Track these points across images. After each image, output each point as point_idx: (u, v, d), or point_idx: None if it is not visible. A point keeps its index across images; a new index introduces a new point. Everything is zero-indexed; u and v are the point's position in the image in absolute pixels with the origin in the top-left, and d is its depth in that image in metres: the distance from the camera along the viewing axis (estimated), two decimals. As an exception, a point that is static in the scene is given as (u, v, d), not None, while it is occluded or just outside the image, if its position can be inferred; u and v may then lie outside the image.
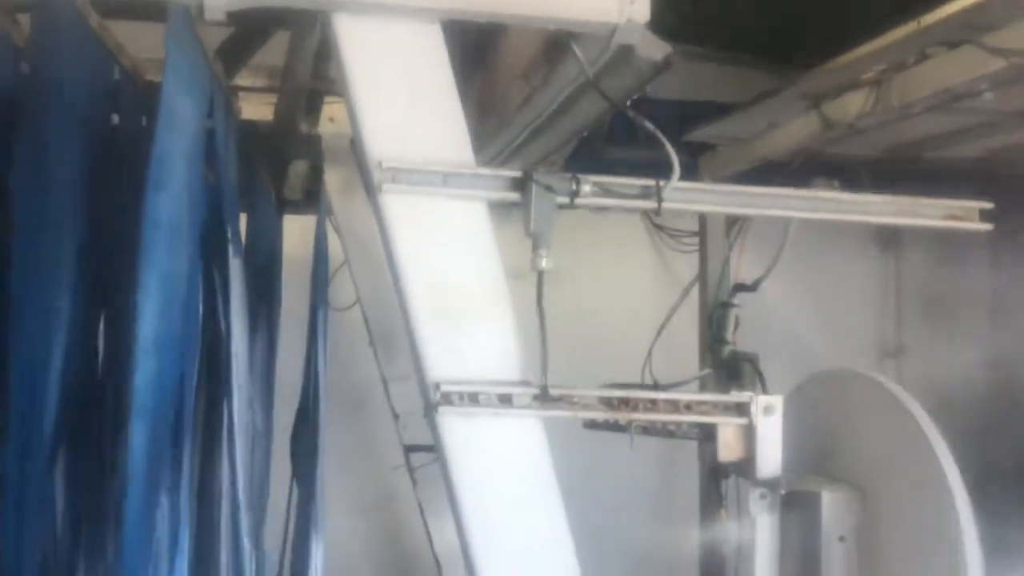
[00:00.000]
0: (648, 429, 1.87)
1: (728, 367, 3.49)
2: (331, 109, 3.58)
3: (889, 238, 5.75)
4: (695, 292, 4.68)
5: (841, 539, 1.85)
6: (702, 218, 4.82)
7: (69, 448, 1.93)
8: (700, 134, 4.21)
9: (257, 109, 3.62)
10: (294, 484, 3.59)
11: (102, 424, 2.06)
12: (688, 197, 1.89)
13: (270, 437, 3.53)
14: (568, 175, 1.82)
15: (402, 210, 1.84)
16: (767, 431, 1.80)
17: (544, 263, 1.85)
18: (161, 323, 1.69)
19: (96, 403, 2.05)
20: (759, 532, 1.79)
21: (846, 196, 1.97)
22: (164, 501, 1.82)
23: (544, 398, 1.82)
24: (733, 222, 4.81)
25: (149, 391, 1.62)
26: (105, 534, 1.99)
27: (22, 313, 1.79)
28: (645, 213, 5.55)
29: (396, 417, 3.89)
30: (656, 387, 2.01)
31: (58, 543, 1.94)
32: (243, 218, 3.12)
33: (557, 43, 2.07)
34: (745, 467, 1.82)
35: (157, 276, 1.67)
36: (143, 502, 1.63)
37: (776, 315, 4.79)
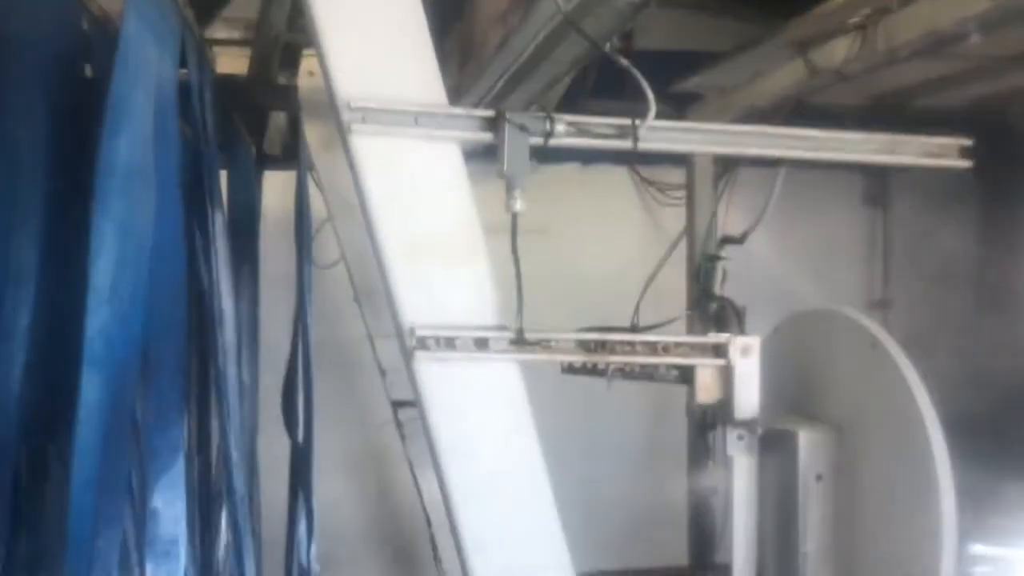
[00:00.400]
0: (626, 372, 1.85)
1: (715, 317, 3.48)
2: (310, 63, 3.51)
3: (877, 192, 5.73)
4: (682, 246, 4.64)
5: (818, 477, 1.85)
6: (689, 171, 4.78)
7: (50, 416, 1.86)
8: (686, 84, 4.15)
9: (233, 63, 3.55)
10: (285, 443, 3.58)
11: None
12: (665, 136, 1.85)
13: (256, 396, 3.52)
14: (542, 114, 1.78)
15: (373, 152, 1.80)
16: (745, 372, 1.79)
17: (518, 205, 1.82)
18: (120, 273, 1.60)
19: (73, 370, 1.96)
20: (737, 473, 1.79)
21: (825, 134, 1.94)
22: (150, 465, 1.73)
23: (520, 342, 1.80)
24: (720, 174, 4.77)
25: (102, 340, 1.50)
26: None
27: None
28: (632, 167, 5.48)
29: (383, 373, 3.88)
30: (633, 329, 1.99)
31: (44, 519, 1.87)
32: (223, 174, 3.06)
33: (533, -19, 2.02)
34: (723, 408, 1.81)
35: (113, 224, 1.60)
36: (93, 463, 1.45)
37: (763, 268, 4.77)
